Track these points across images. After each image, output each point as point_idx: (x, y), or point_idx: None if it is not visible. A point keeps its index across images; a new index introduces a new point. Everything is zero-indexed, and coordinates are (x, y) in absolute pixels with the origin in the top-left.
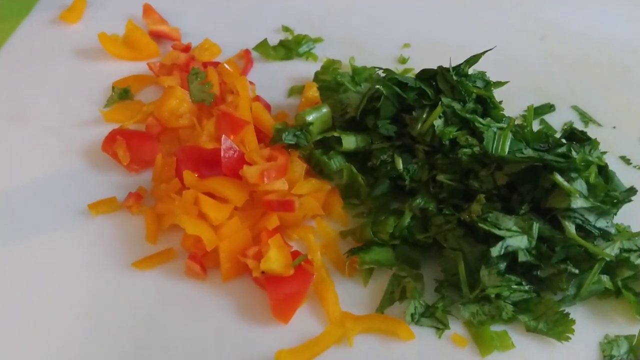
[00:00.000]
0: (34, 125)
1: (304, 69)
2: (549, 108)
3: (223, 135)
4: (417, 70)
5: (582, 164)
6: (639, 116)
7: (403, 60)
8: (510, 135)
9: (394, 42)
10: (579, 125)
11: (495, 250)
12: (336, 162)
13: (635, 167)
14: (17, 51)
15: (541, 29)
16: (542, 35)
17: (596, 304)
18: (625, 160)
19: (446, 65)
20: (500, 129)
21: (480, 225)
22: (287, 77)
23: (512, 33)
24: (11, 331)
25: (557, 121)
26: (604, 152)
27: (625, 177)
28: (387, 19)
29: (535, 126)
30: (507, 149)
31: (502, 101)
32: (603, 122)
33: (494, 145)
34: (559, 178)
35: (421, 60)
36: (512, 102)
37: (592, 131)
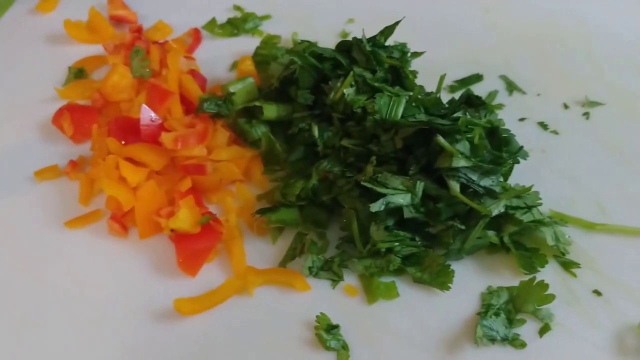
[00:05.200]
0: None
1: (249, 45)
2: (477, 78)
3: (143, 105)
4: None
5: (467, 126)
6: (567, 83)
7: (345, 35)
8: (404, 101)
9: (340, 17)
10: (503, 94)
11: (375, 207)
12: (258, 131)
13: (551, 131)
14: None
15: (487, 2)
16: (486, 8)
17: (486, 258)
18: (543, 125)
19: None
20: (398, 95)
21: (364, 184)
22: (232, 53)
23: (457, 6)
24: None
25: (483, 91)
26: (523, 119)
27: (541, 141)
28: None
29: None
30: (400, 114)
31: (417, 72)
32: (532, 90)
33: (388, 110)
34: (441, 139)
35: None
36: (447, 73)
37: (515, 99)
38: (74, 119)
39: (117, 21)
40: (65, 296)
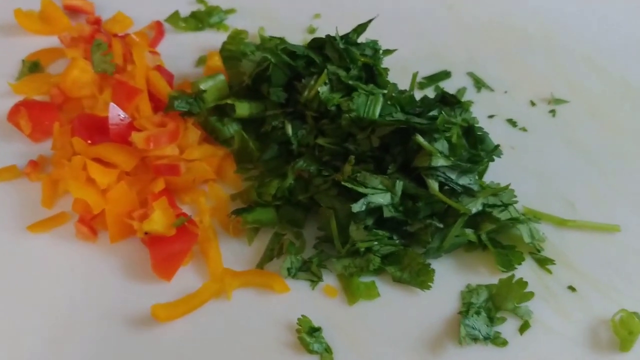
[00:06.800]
0: None
1: (214, 40)
2: (445, 75)
3: (111, 103)
4: None
5: (445, 125)
6: (532, 80)
7: (312, 30)
8: (381, 99)
9: (306, 12)
10: (472, 91)
11: (357, 207)
12: (230, 129)
13: (519, 129)
14: None
15: None
16: (450, 4)
17: (463, 256)
18: (512, 122)
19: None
20: (373, 94)
21: (344, 183)
22: (197, 48)
23: (421, 2)
24: None
25: (452, 87)
26: (492, 116)
27: (510, 138)
28: None
29: (431, 93)
30: (377, 113)
31: (388, 69)
32: (499, 86)
33: (366, 109)
34: (420, 138)
35: (330, 31)
36: (414, 69)
37: (484, 96)
38: (32, 115)
39: (72, 11)
40: (33, 305)
